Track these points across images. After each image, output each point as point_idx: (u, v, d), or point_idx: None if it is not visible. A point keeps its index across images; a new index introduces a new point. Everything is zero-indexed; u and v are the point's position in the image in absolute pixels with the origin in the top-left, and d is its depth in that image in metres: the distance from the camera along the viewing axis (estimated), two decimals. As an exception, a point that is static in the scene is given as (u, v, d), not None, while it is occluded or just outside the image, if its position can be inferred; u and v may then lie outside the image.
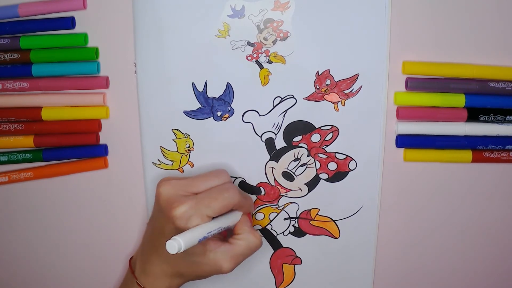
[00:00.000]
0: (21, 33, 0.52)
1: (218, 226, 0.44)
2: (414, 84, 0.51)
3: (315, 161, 0.53)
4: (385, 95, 0.51)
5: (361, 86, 0.51)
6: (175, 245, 0.40)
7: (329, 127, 0.52)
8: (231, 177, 0.53)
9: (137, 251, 0.50)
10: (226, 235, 0.49)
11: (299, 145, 0.53)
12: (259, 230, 0.55)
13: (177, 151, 0.53)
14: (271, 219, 0.54)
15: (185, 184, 0.45)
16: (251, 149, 0.53)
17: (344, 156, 0.53)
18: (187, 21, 0.50)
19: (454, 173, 0.54)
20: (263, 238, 0.55)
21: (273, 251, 0.55)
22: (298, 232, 0.55)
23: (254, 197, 0.54)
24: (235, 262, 0.45)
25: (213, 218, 0.44)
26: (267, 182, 0.53)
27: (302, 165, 0.53)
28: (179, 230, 0.42)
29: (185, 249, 0.40)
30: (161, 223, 0.45)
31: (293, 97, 0.52)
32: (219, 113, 0.52)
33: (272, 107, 0.52)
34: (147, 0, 0.50)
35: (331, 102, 0.52)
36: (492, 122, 0.52)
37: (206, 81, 0.51)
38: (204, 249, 0.45)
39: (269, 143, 0.53)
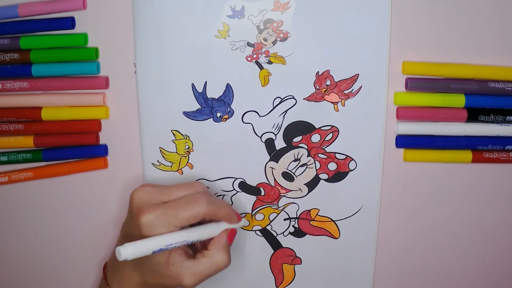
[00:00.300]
0: (21, 33, 0.52)
1: (184, 239, 0.43)
2: (414, 84, 0.51)
3: (315, 162, 0.53)
4: (385, 95, 0.51)
5: (361, 86, 0.51)
6: (121, 252, 0.40)
7: (329, 127, 0.52)
8: (231, 178, 0.53)
9: (110, 257, 0.49)
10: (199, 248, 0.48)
11: (299, 145, 0.53)
12: (259, 230, 0.55)
13: (176, 152, 0.53)
14: (271, 219, 0.54)
15: (157, 192, 0.44)
16: (251, 150, 0.53)
17: (344, 156, 0.53)
18: (187, 21, 0.50)
19: (454, 173, 0.54)
20: (263, 238, 0.55)
21: (273, 251, 0.55)
22: (298, 233, 0.55)
23: (253, 198, 0.54)
24: (197, 279, 0.44)
25: (183, 228, 0.43)
26: (267, 182, 0.53)
27: (302, 166, 0.53)
28: (144, 237, 0.42)
29: (133, 258, 0.40)
30: (131, 229, 0.44)
31: (293, 98, 0.51)
32: (218, 114, 0.52)
33: (272, 107, 0.52)
34: (147, 0, 0.50)
35: (331, 102, 0.52)
36: (492, 122, 0.52)
37: (206, 82, 0.51)
38: (167, 261, 0.43)
39: (269, 143, 0.53)
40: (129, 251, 0.40)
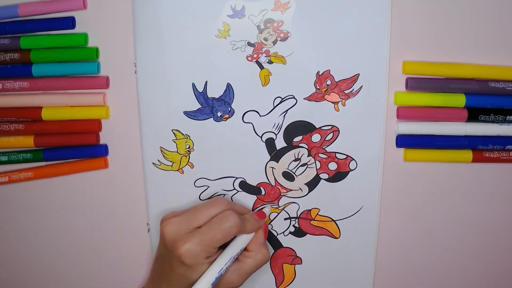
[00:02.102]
0: (21, 33, 0.52)
1: (230, 257, 0.46)
2: (414, 84, 0.51)
3: (315, 161, 0.53)
4: (385, 95, 0.51)
5: (361, 86, 0.51)
6: None
7: (330, 127, 0.52)
8: (232, 177, 0.53)
9: (147, 286, 0.50)
10: None
11: (300, 145, 0.53)
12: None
13: (177, 151, 0.53)
14: (272, 219, 0.54)
15: (186, 220, 0.46)
16: (251, 150, 0.53)
17: (345, 156, 0.53)
18: (187, 21, 0.50)
19: (454, 173, 0.54)
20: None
21: (273, 251, 0.55)
22: (299, 232, 0.55)
23: (254, 198, 0.54)
24: (244, 278, 0.48)
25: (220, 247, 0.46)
26: (268, 182, 0.53)
27: (302, 165, 0.53)
28: (188, 267, 0.44)
29: None
30: (170, 261, 0.46)
31: (294, 97, 0.51)
32: (219, 114, 0.52)
33: (273, 107, 0.52)
34: (147, 0, 0.50)
35: (332, 102, 0.52)
36: (492, 122, 0.52)
37: (206, 82, 0.51)
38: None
39: (270, 143, 0.53)
40: None
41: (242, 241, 0.48)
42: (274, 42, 0.50)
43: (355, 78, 0.51)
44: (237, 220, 0.46)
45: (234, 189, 0.54)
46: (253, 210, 0.54)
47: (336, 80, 0.51)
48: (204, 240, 0.45)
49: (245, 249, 0.49)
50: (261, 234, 0.49)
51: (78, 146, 0.54)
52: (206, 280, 0.44)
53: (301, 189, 0.54)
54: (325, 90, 0.51)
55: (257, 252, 0.48)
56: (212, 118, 0.52)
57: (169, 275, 0.46)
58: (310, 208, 0.54)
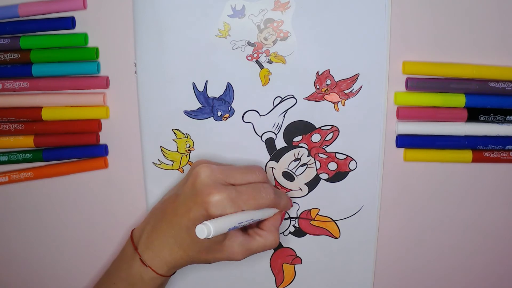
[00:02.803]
0: (21, 33, 0.52)
1: (251, 217, 0.44)
2: (414, 84, 0.51)
3: (315, 161, 0.53)
4: (385, 95, 0.51)
5: (361, 86, 0.51)
6: (205, 230, 0.39)
7: (329, 127, 0.52)
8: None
9: (143, 226, 0.49)
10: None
11: (299, 145, 0.53)
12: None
13: (177, 151, 0.53)
14: (272, 219, 0.54)
15: (225, 173, 0.45)
16: (251, 149, 0.53)
17: (344, 156, 0.53)
18: (187, 21, 0.50)
19: (454, 173, 0.54)
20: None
21: (273, 251, 0.55)
22: (299, 232, 0.55)
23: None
24: (247, 254, 0.47)
25: None
26: (267, 182, 0.53)
27: (302, 165, 0.53)
28: (209, 217, 0.43)
29: (214, 236, 0.40)
30: (189, 205, 0.44)
31: (293, 97, 0.52)
32: (219, 113, 0.52)
33: (273, 107, 0.52)
34: (147, 0, 0.50)
35: (331, 102, 0.52)
36: (492, 122, 0.52)
37: (207, 81, 0.51)
38: (224, 237, 0.45)
39: (269, 143, 0.53)
40: (212, 229, 0.40)
41: (267, 212, 0.47)
42: (274, 42, 0.50)
43: (355, 78, 0.51)
44: (272, 194, 0.46)
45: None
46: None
47: (336, 80, 0.51)
48: (238, 198, 0.44)
49: (259, 227, 0.48)
50: (278, 218, 0.49)
51: (78, 146, 0.54)
52: (228, 221, 0.42)
53: (301, 189, 0.54)
54: (325, 90, 0.51)
55: (270, 234, 0.47)
56: (212, 118, 0.52)
57: (179, 216, 0.45)
58: (310, 208, 0.54)
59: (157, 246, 0.46)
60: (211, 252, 0.46)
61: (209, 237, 0.40)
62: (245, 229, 0.48)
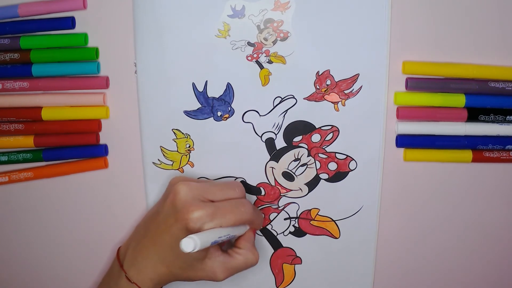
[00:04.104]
0: (21, 33, 0.52)
1: (228, 233, 0.45)
2: (414, 84, 0.51)
3: (315, 161, 0.53)
4: (385, 95, 0.51)
5: (361, 86, 0.51)
6: (191, 243, 0.40)
7: (329, 127, 0.52)
8: (232, 177, 0.53)
9: (128, 243, 0.49)
10: (224, 244, 0.50)
11: (299, 145, 0.53)
12: (260, 230, 0.55)
13: (177, 151, 0.53)
14: (271, 219, 0.54)
15: (203, 189, 0.46)
16: (251, 149, 0.53)
17: (344, 156, 0.53)
18: (187, 21, 0.50)
19: (454, 173, 0.54)
20: (263, 238, 0.55)
21: (273, 251, 0.55)
22: (298, 232, 0.55)
23: (254, 198, 0.54)
24: (229, 274, 0.47)
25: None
26: (267, 182, 0.53)
27: (302, 165, 0.53)
28: (189, 232, 0.43)
29: (199, 249, 0.40)
30: (170, 222, 0.45)
31: (293, 97, 0.52)
32: (219, 113, 0.52)
33: (272, 107, 0.52)
34: (147, 0, 0.50)
35: (331, 102, 0.52)
36: (492, 122, 0.52)
37: (206, 81, 0.51)
38: (205, 254, 0.46)
39: (269, 143, 0.53)
40: (198, 242, 0.40)
41: (241, 229, 0.47)
42: (274, 42, 0.50)
43: (355, 78, 0.51)
44: (251, 209, 0.46)
45: (234, 189, 0.54)
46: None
47: (336, 80, 0.51)
48: (217, 214, 0.44)
49: (235, 245, 0.49)
50: (251, 235, 0.49)
51: (78, 146, 0.54)
52: (211, 236, 0.42)
53: (301, 189, 0.54)
54: (325, 90, 0.51)
55: (249, 251, 0.48)
56: (212, 118, 0.52)
57: (160, 233, 0.45)
58: (310, 208, 0.54)
59: (141, 262, 0.46)
60: (193, 269, 0.46)
61: (195, 250, 0.40)
62: (224, 249, 0.49)
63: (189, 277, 0.47)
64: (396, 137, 0.53)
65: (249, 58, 0.51)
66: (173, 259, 0.45)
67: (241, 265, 0.47)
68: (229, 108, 0.52)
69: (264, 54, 0.51)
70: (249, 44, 0.51)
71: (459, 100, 0.51)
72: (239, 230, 0.47)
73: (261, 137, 0.52)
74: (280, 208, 0.54)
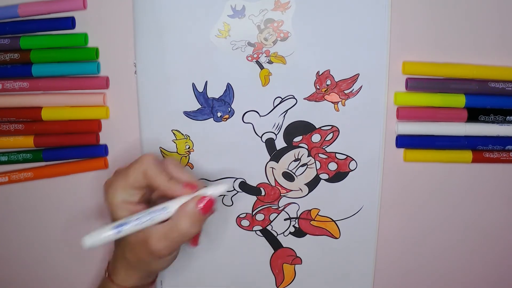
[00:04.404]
0: (21, 33, 0.52)
1: (146, 212, 0.43)
2: (414, 84, 0.51)
3: (315, 161, 0.53)
4: (385, 95, 0.51)
5: (361, 86, 0.51)
6: (85, 241, 0.44)
7: (329, 127, 0.52)
8: (231, 177, 0.53)
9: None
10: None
11: (300, 145, 0.53)
12: (260, 230, 0.55)
13: (177, 152, 0.53)
14: (272, 219, 0.54)
15: (119, 172, 0.46)
16: (251, 150, 0.53)
17: (344, 156, 0.53)
18: (187, 21, 0.50)
19: (454, 173, 0.54)
20: (263, 238, 0.55)
21: (273, 251, 0.55)
22: (299, 232, 0.55)
23: (254, 198, 0.54)
24: (165, 244, 0.43)
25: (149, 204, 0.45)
26: (268, 182, 0.53)
27: (302, 166, 0.53)
28: (111, 205, 0.44)
29: (99, 244, 0.43)
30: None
31: (294, 97, 0.51)
32: (219, 114, 0.52)
33: (273, 107, 0.52)
34: (147, 0, 0.50)
35: (331, 102, 0.52)
36: (492, 122, 0.52)
37: (206, 82, 0.51)
38: (144, 234, 0.43)
39: (270, 143, 0.53)
40: (88, 239, 0.44)
41: (167, 204, 0.43)
42: (274, 42, 0.50)
43: (355, 78, 0.51)
44: (150, 159, 0.44)
45: (234, 189, 0.54)
46: (252, 211, 0.54)
47: (336, 80, 0.51)
48: (117, 175, 0.44)
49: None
50: (191, 202, 0.43)
51: (78, 146, 0.54)
52: (112, 224, 0.43)
53: (301, 189, 0.54)
54: (325, 90, 0.51)
55: (179, 217, 0.42)
56: (212, 118, 0.52)
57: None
58: (310, 209, 0.54)
59: (119, 268, 0.47)
60: (137, 251, 0.44)
61: (87, 246, 0.43)
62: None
63: (141, 260, 0.45)
64: (396, 138, 0.53)
65: (249, 58, 0.51)
66: (124, 246, 0.46)
67: (172, 232, 0.42)
68: (229, 108, 0.52)
69: (264, 54, 0.51)
70: (249, 44, 0.51)
71: (459, 100, 0.51)
72: (166, 205, 0.43)
73: (261, 137, 0.52)
74: (280, 209, 0.54)
